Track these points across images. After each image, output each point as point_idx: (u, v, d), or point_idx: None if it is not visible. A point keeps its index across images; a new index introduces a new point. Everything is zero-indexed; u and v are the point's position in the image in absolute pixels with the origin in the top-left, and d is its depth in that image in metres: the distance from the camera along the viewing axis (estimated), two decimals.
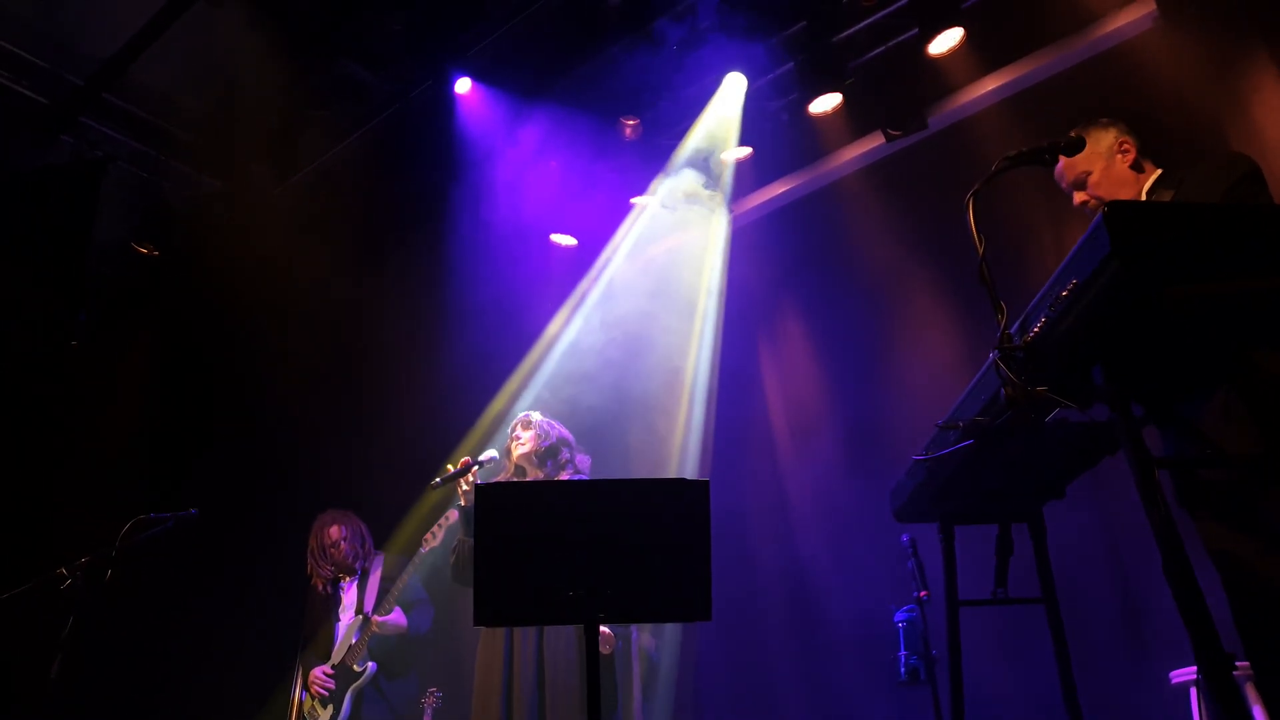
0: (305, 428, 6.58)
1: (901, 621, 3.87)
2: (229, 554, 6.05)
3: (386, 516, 5.38)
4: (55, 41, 5.24)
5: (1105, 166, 2.75)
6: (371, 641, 4.53)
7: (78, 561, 3.82)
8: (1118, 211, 1.73)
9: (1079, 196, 2.81)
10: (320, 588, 4.86)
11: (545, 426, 4.04)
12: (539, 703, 3.54)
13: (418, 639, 4.73)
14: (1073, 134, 2.72)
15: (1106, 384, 1.86)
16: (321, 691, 4.52)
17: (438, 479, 3.88)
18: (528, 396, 5.71)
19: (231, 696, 5.49)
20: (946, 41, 4.85)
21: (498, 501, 2.45)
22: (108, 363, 6.30)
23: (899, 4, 5.05)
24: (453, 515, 4.18)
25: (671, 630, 5.25)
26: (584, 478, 4.00)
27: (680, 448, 5.69)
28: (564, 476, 3.96)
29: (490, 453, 3.96)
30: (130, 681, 5.75)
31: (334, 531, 4.88)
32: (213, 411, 6.61)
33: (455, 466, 3.88)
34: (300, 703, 4.68)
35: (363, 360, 6.56)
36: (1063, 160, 2.77)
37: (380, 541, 5.14)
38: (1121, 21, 4.71)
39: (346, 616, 4.74)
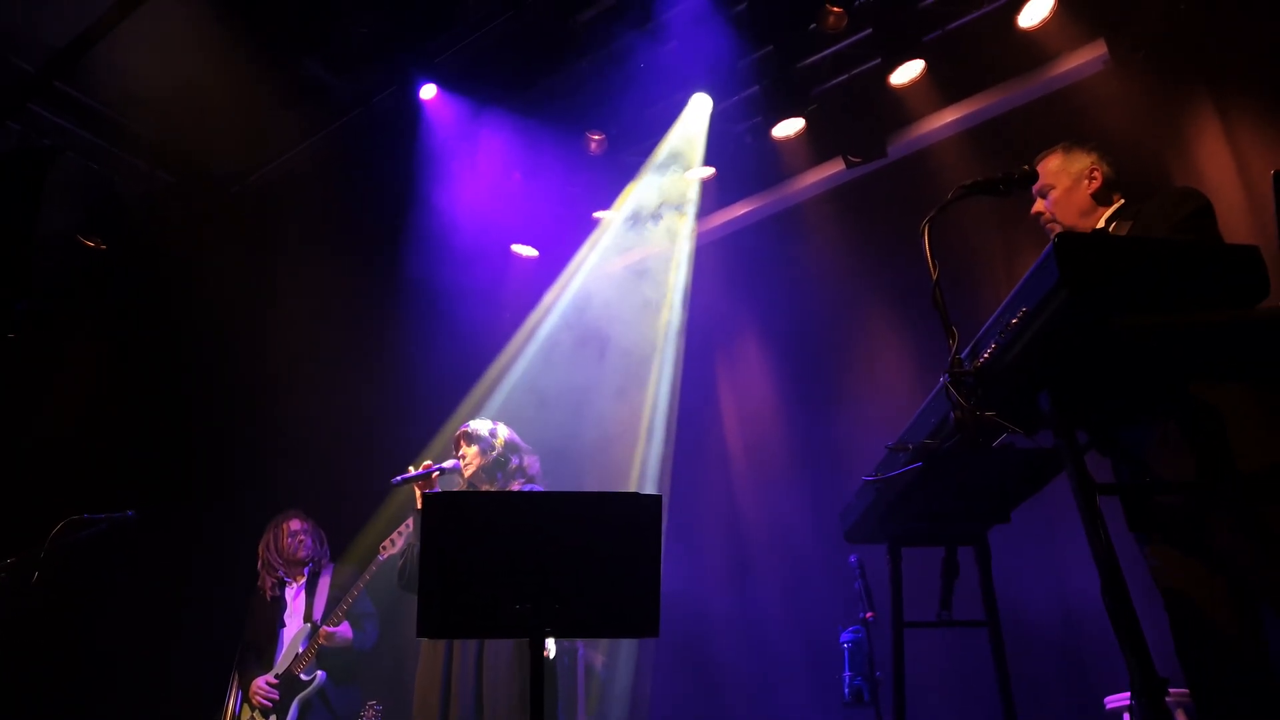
0: (253, 433, 6.45)
1: (847, 642, 3.89)
2: (167, 558, 5.89)
3: (339, 528, 5.29)
4: (6, 26, 5.09)
5: (1069, 187, 2.81)
6: (320, 649, 4.44)
7: (2, 562, 3.70)
8: (1067, 242, 1.77)
9: (1038, 205, 2.88)
10: (267, 591, 4.76)
11: (488, 439, 3.93)
12: (477, 717, 3.48)
13: (363, 652, 4.65)
14: (1039, 158, 2.80)
15: (1052, 410, 1.89)
16: (264, 702, 4.41)
17: (398, 477, 3.81)
18: (489, 408, 5.67)
19: (165, 706, 5.33)
20: (908, 73, 4.95)
21: (446, 512, 2.42)
22: (48, 356, 6.12)
23: (863, 34, 5.14)
24: (411, 523, 4.11)
25: (628, 647, 5.22)
26: (535, 485, 3.95)
27: (640, 464, 5.69)
28: (516, 485, 3.91)
29: (454, 461, 3.91)
30: (55, 689, 5.55)
31: (295, 524, 4.84)
32: (157, 411, 6.45)
33: (418, 469, 3.82)
34: (236, 715, 4.55)
35: (316, 366, 6.45)
36: (1040, 166, 2.85)
37: (333, 553, 5.05)
38: (1075, 62, 4.86)
39: (293, 623, 4.64)
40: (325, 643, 4.42)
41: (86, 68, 5.35)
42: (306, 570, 4.80)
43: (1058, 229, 2.81)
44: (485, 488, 3.90)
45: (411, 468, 3.83)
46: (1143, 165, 4.40)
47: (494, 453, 3.92)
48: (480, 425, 3.99)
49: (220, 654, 4.90)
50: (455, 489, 3.95)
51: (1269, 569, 2.09)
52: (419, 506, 3.80)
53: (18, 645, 4.48)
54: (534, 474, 3.98)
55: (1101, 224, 2.74)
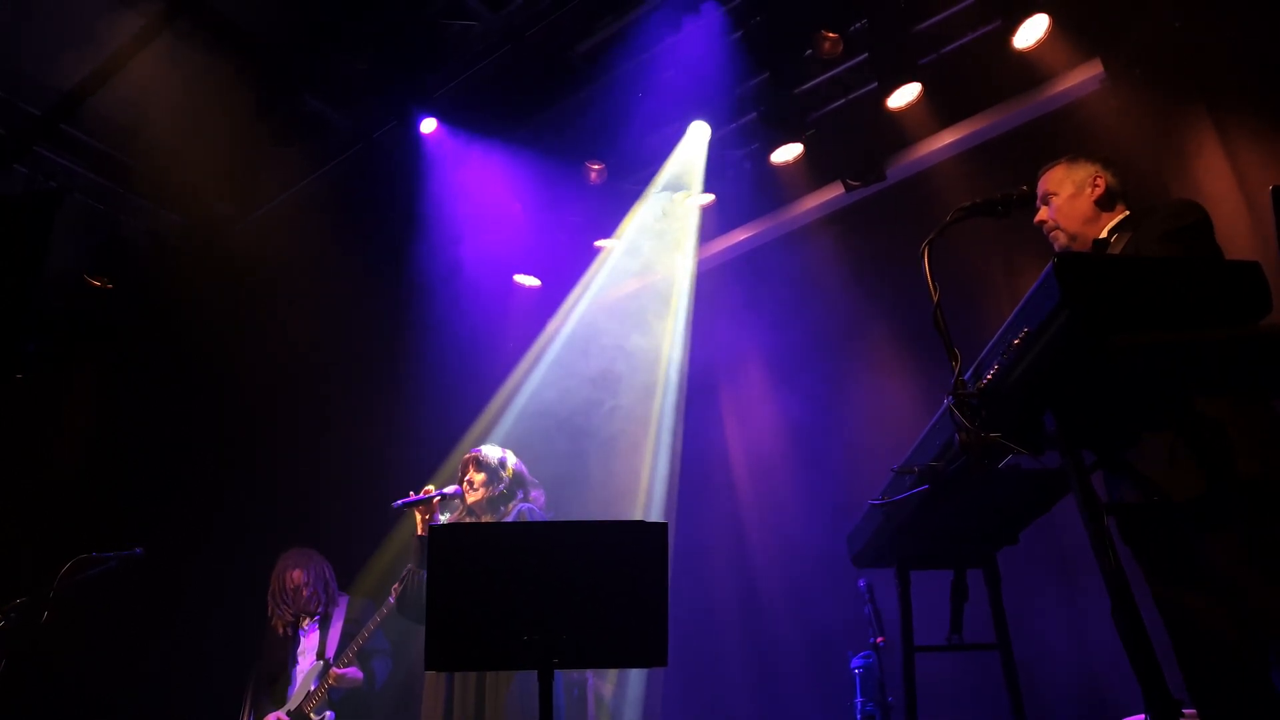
0: (261, 465, 6.46)
1: (858, 668, 3.86)
2: (175, 593, 5.88)
3: (351, 557, 5.28)
4: (12, 71, 5.17)
5: (1072, 195, 2.81)
6: (330, 690, 4.42)
7: (12, 602, 3.70)
8: (1067, 262, 1.77)
9: (1041, 213, 2.88)
10: (280, 630, 4.74)
11: (497, 469, 3.92)
12: None
13: (372, 692, 4.62)
14: (1044, 171, 2.82)
15: (1057, 430, 1.89)
16: None
17: (399, 501, 3.80)
18: (494, 436, 5.66)
19: None
20: (904, 96, 4.97)
21: (453, 543, 2.41)
22: (55, 395, 6.15)
23: (859, 59, 5.18)
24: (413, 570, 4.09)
25: (637, 677, 5.18)
26: (538, 514, 3.94)
27: (646, 491, 5.67)
28: (515, 511, 3.89)
29: (455, 486, 3.88)
30: None
31: (296, 576, 4.77)
32: (163, 447, 6.46)
33: (419, 494, 3.80)
34: None
35: (321, 398, 6.47)
36: (1044, 175, 2.87)
37: (345, 582, 5.03)
38: (1071, 81, 4.88)
39: (306, 660, 4.61)
40: (335, 684, 4.41)
41: (91, 110, 5.43)
42: (319, 612, 4.78)
43: (1061, 236, 2.82)
44: (486, 518, 3.88)
45: (413, 493, 3.81)
46: (1142, 182, 4.39)
47: (501, 484, 3.90)
48: (491, 452, 3.98)
49: (230, 687, 4.88)
50: (451, 515, 3.94)
51: (1271, 588, 2.07)
52: (419, 532, 3.79)
53: (29, 683, 4.45)
54: (536, 505, 3.96)
55: (1104, 234, 2.74)
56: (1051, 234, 2.86)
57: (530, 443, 5.25)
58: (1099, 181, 2.80)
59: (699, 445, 5.92)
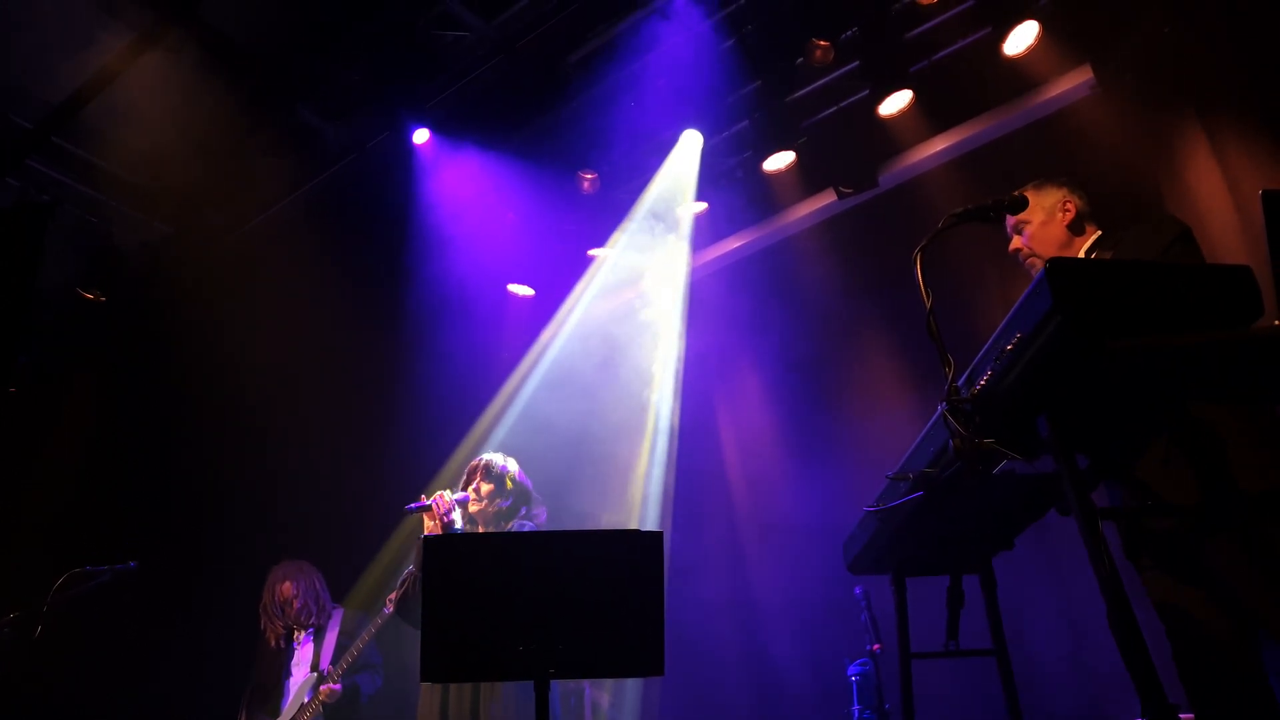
0: (255, 476, 6.43)
1: (855, 675, 3.85)
2: (173, 608, 5.86)
3: (347, 568, 5.26)
4: (3, 83, 5.16)
5: (1044, 221, 2.84)
6: (323, 703, 4.40)
7: (5, 617, 3.67)
8: (1059, 267, 1.77)
9: (1015, 242, 2.91)
10: (273, 642, 4.71)
11: (503, 480, 3.88)
12: None
13: (357, 705, 4.59)
14: (1017, 193, 2.83)
15: (1051, 435, 1.89)
16: None
17: (412, 504, 3.75)
18: (490, 444, 5.65)
19: None
20: (896, 103, 4.99)
21: (447, 554, 2.41)
22: (47, 408, 6.12)
23: (850, 66, 5.20)
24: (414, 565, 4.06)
25: (634, 686, 5.16)
26: (534, 529, 3.90)
27: (641, 500, 5.67)
28: (513, 525, 3.88)
29: (463, 493, 3.85)
30: None
31: (287, 588, 4.74)
32: (157, 460, 6.44)
33: (430, 498, 3.74)
34: None
35: (316, 408, 6.45)
36: None
37: (340, 594, 5.01)
38: (1062, 88, 4.90)
39: (300, 672, 4.59)
40: (327, 699, 4.38)
41: (83, 122, 5.42)
42: (312, 624, 4.75)
43: (1038, 263, 2.84)
44: (485, 528, 3.86)
45: (424, 496, 3.77)
46: (1133, 188, 4.43)
47: (507, 501, 3.87)
48: (498, 461, 3.94)
49: (225, 700, 4.86)
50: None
51: (1269, 592, 2.07)
52: (423, 535, 3.77)
53: (22, 699, 4.43)
54: (539, 524, 3.91)
55: (1081, 255, 2.77)
56: (1028, 262, 2.88)
57: (525, 451, 5.20)
58: (1069, 206, 2.83)
59: (694, 452, 5.91)
